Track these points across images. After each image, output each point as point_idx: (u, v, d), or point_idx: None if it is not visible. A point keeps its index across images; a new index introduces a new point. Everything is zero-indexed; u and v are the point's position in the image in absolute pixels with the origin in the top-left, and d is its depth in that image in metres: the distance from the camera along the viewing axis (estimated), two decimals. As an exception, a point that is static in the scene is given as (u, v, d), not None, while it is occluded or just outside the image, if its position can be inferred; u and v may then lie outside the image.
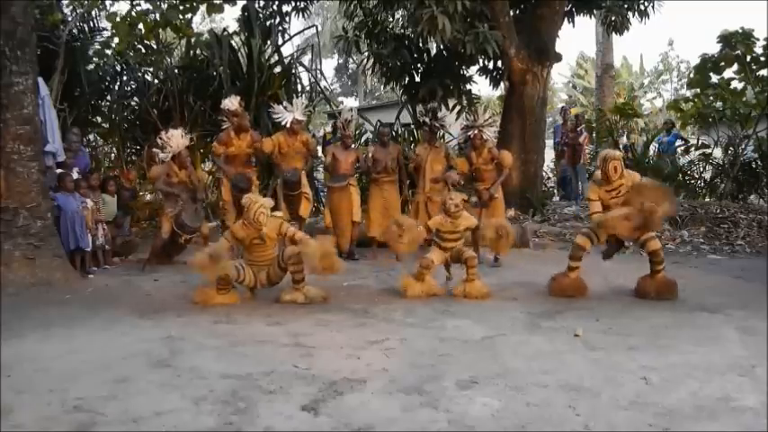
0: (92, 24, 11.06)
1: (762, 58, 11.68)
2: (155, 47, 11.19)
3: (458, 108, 10.76)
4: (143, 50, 11.31)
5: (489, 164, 7.61)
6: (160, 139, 7.46)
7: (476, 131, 7.59)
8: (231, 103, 7.61)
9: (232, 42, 11.33)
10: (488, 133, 7.76)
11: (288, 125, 7.73)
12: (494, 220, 6.60)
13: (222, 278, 5.53)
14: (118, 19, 10.00)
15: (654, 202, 5.62)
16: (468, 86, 11.00)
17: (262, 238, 5.66)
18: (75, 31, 10.57)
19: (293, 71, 11.45)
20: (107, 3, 11.01)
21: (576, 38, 57.66)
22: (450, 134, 10.79)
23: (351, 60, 23.48)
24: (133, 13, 10.14)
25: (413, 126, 11.19)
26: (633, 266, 6.59)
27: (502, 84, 11.31)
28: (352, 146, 8.30)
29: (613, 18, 10.74)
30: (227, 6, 11.24)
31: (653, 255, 5.93)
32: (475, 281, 5.99)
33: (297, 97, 10.12)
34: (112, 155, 11.47)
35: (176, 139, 7.35)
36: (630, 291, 6.11)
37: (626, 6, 10.84)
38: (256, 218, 5.52)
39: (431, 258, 6.02)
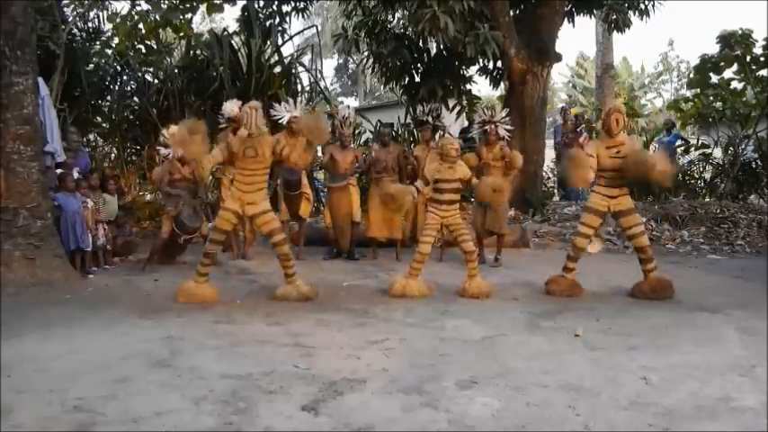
0: (92, 25, 11.07)
1: (761, 59, 11.71)
2: (155, 47, 11.21)
3: (458, 108, 10.73)
4: (143, 50, 11.32)
5: (499, 161, 7.58)
6: (162, 136, 7.44)
7: (492, 126, 7.58)
8: (232, 109, 7.54)
9: (232, 42, 11.33)
10: (503, 131, 7.74)
11: (286, 124, 7.72)
12: (489, 179, 6.54)
13: (207, 254, 5.74)
14: (118, 19, 10.01)
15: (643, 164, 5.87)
16: (468, 86, 11.00)
17: (254, 148, 5.68)
18: (75, 31, 10.58)
19: (293, 71, 11.45)
20: (107, 3, 11.04)
21: (576, 38, 57.71)
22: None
23: (351, 60, 23.50)
24: (133, 13, 10.15)
25: (413, 126, 11.18)
26: (633, 267, 6.58)
27: (502, 84, 11.30)
28: (351, 145, 8.30)
29: (614, 16, 10.74)
30: (227, 6, 11.31)
31: (640, 251, 5.98)
32: (475, 277, 5.99)
33: (297, 97, 10.11)
34: (112, 155, 11.48)
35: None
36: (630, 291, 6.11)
37: (626, 5, 10.84)
38: (249, 120, 5.65)
39: (423, 252, 6.01)
